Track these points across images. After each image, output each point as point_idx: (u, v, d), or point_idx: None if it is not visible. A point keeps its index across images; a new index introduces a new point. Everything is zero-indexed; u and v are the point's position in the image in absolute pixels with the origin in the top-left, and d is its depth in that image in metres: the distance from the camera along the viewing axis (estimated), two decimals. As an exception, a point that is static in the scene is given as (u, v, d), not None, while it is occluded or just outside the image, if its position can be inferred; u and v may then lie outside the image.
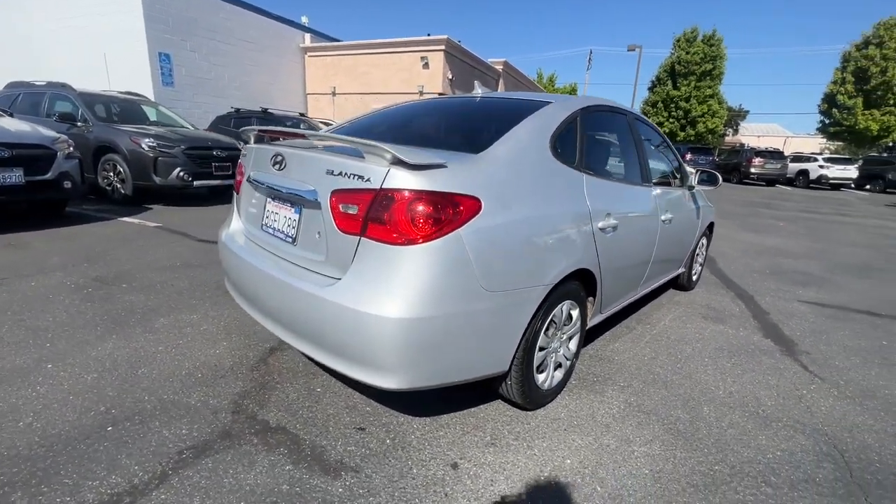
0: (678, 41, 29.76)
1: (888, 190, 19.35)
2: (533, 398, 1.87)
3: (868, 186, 20.23)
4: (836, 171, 19.54)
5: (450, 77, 14.56)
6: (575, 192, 1.91)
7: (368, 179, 1.43)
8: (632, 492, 1.52)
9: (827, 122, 28.83)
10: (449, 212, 1.41)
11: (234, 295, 2.11)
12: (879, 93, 25.11)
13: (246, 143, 2.15)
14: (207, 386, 2.00)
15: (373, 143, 1.42)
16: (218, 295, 3.10)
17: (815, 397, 2.24)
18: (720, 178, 3.30)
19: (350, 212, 1.46)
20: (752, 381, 2.35)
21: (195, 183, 6.16)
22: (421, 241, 1.38)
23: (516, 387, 1.79)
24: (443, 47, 13.95)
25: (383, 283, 1.41)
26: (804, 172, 20.24)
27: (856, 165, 19.87)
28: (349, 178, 1.48)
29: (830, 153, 27.18)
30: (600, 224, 1.99)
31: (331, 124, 11.51)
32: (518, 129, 1.84)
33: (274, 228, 1.83)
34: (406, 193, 1.37)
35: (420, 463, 1.61)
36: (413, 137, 2.11)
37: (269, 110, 9.05)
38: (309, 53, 16.48)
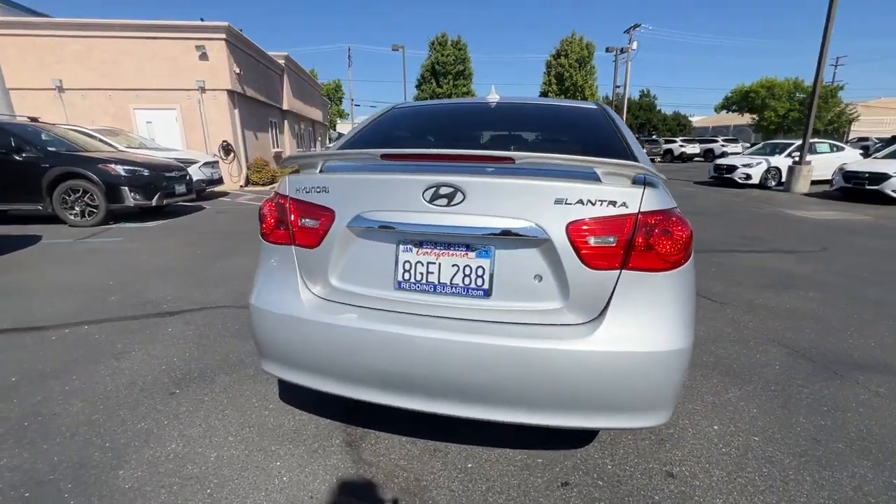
0: (433, 44, 33.49)
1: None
2: None
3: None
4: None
5: (238, 72, 12.63)
6: None
7: (624, 204, 1.31)
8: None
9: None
10: (688, 230, 1.41)
11: (340, 387, 1.53)
12: (571, 92, 34.39)
13: (290, 169, 1.60)
14: None
15: (614, 161, 1.30)
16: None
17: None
18: None
19: (604, 245, 1.32)
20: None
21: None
22: (683, 263, 1.37)
23: None
24: (223, 36, 11.91)
25: (656, 316, 1.34)
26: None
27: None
28: (594, 205, 1.31)
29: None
30: None
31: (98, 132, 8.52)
32: (625, 132, 1.93)
33: (431, 284, 1.45)
34: (670, 215, 1.35)
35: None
36: (503, 146, 1.96)
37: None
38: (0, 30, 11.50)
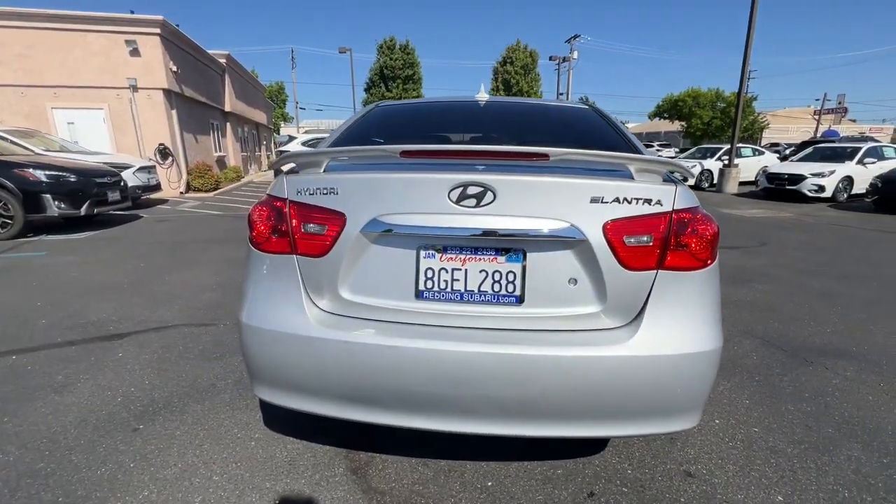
0: (381, 48, 33.18)
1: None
2: None
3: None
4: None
5: (175, 70, 11.68)
6: None
7: (659, 202, 1.27)
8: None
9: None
10: (715, 227, 1.38)
11: (355, 412, 1.38)
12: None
13: (280, 171, 1.43)
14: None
15: (648, 157, 1.29)
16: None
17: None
18: None
19: (641, 244, 1.27)
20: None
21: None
22: (710, 262, 1.35)
23: None
24: (158, 31, 10.96)
25: (692, 316, 1.31)
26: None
27: None
28: (630, 203, 1.26)
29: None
30: None
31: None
32: (624, 130, 1.94)
33: (457, 292, 1.33)
34: (697, 213, 1.32)
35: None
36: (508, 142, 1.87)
37: None
38: None
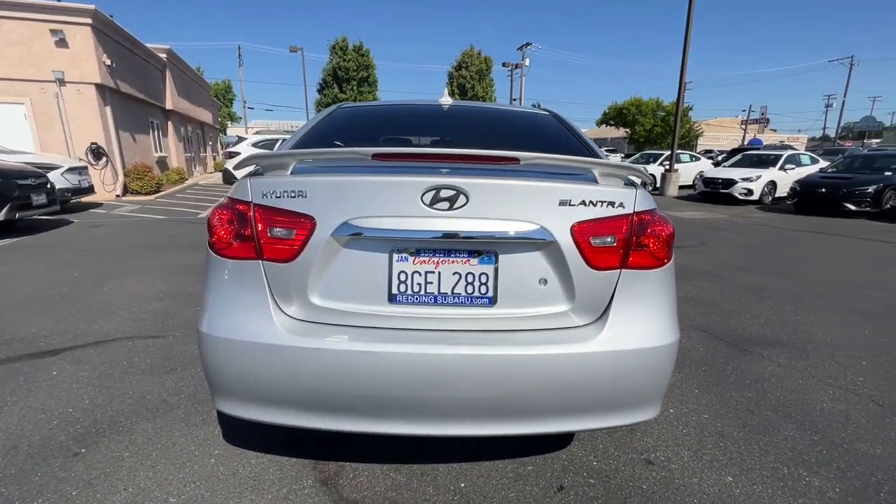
0: (334, 48, 32.54)
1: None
2: None
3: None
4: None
5: (109, 63, 10.81)
6: None
7: (621, 205, 1.34)
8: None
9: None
10: (671, 228, 1.47)
11: (327, 421, 1.34)
12: (473, 102, 35.83)
13: (253, 173, 1.38)
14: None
15: (612, 162, 1.36)
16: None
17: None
18: None
19: (606, 245, 1.33)
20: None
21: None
22: (667, 260, 1.44)
23: None
24: (89, 21, 10.11)
25: (652, 312, 1.39)
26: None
27: None
28: (595, 206, 1.32)
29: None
30: None
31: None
32: (583, 136, 2.02)
33: (431, 295, 1.34)
34: (655, 215, 1.40)
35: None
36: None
37: None
38: None
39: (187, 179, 15.82)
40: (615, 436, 1.94)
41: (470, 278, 1.33)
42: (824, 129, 58.70)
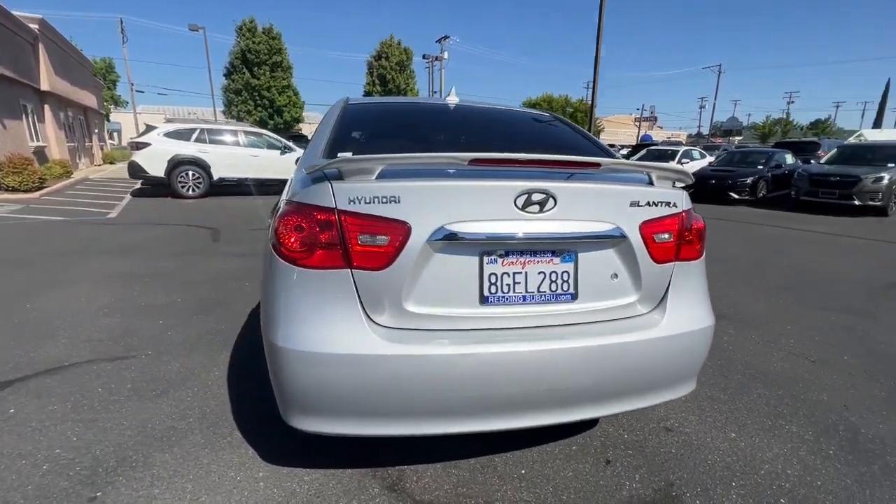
0: (240, 30, 29.98)
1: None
2: None
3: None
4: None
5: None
6: None
7: (674, 205, 1.52)
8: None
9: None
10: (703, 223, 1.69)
11: (420, 426, 1.36)
12: (395, 94, 35.42)
13: (335, 177, 1.31)
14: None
15: (666, 166, 1.53)
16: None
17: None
18: None
19: (663, 240, 1.50)
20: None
21: None
22: (702, 252, 1.66)
23: None
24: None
25: (697, 298, 1.61)
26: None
27: None
28: (657, 206, 1.48)
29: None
30: None
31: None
32: (594, 138, 2.20)
33: (519, 295, 1.40)
34: (692, 212, 1.62)
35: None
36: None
37: None
38: None
39: (73, 173, 13.66)
40: (633, 411, 2.16)
41: (553, 276, 1.41)
42: (699, 127, 67.60)
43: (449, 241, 1.30)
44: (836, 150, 11.61)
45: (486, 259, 1.36)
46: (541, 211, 1.34)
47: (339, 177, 1.31)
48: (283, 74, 30.76)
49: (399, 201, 1.28)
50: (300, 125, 33.48)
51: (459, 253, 1.34)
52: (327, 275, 1.29)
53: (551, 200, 1.34)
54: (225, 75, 30.69)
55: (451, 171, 1.36)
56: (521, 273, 1.39)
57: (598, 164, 1.38)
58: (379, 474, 1.70)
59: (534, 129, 2.34)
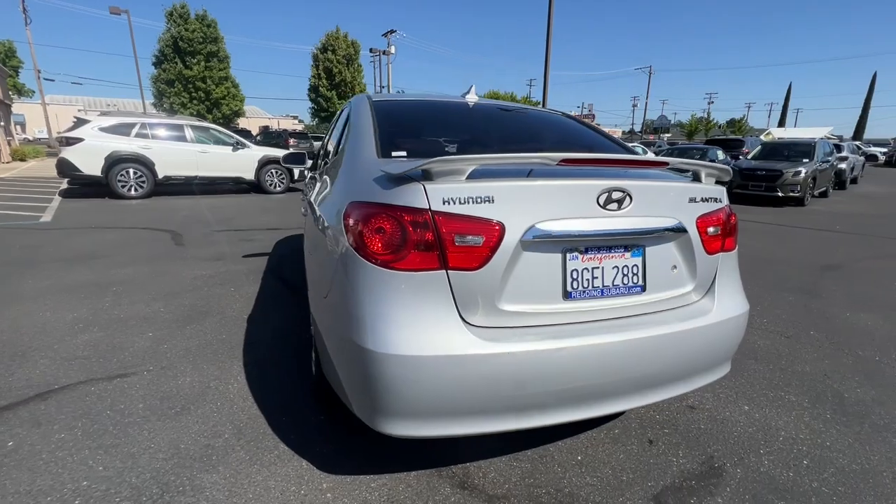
0: (171, 15, 27.78)
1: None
2: None
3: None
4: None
5: None
6: None
7: (720, 199, 1.67)
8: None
9: (315, 107, 36.60)
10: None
11: (512, 422, 1.38)
12: (342, 88, 34.47)
13: (425, 177, 1.31)
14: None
15: (713, 164, 1.65)
16: None
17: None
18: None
19: (713, 233, 1.64)
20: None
21: None
22: (737, 243, 1.82)
23: None
24: None
25: (736, 286, 1.77)
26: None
27: None
28: (708, 202, 1.62)
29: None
30: None
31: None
32: (607, 134, 2.32)
33: (597, 288, 1.46)
34: (729, 207, 1.76)
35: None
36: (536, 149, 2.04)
37: None
38: None
39: (-19, 172, 12.02)
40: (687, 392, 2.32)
41: (626, 270, 1.49)
42: (632, 124, 72.23)
43: (539, 238, 1.33)
44: (759, 147, 12.90)
45: (568, 255, 1.41)
46: (619, 208, 1.41)
47: (428, 177, 1.30)
48: (220, 65, 28.89)
49: (493, 201, 1.29)
50: (239, 119, 31.66)
51: (545, 250, 1.38)
52: (422, 276, 1.28)
53: (628, 198, 1.42)
54: (154, 64, 28.29)
55: (538, 170, 1.39)
56: (598, 268, 1.45)
57: (665, 163, 1.47)
58: (444, 473, 1.70)
59: (570, 128, 2.42)
